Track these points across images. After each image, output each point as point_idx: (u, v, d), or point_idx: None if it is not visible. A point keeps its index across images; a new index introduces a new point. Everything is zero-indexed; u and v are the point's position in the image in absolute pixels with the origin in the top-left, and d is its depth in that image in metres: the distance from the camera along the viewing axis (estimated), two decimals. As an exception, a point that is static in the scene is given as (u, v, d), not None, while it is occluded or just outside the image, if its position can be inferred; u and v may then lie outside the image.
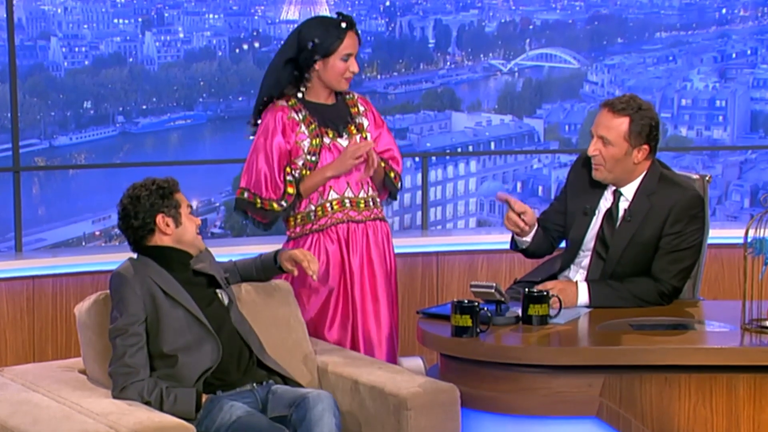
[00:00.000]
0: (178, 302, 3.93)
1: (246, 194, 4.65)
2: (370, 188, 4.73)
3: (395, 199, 4.91)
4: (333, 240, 4.67)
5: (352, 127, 4.72)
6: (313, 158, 4.65)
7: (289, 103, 4.67)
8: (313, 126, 4.65)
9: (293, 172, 4.65)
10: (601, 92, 8.62)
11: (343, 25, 4.61)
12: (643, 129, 4.34)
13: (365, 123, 4.77)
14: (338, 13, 4.69)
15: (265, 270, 4.40)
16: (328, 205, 4.67)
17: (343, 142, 4.68)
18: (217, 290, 4.08)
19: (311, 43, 4.61)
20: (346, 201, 4.68)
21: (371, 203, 4.73)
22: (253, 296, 4.33)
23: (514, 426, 3.96)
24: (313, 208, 4.67)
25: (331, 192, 4.67)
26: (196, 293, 4.00)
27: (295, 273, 4.41)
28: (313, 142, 4.64)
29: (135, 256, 4.06)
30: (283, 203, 4.63)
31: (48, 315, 5.85)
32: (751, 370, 3.84)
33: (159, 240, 4.01)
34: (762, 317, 3.98)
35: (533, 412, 3.93)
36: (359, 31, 4.70)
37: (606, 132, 4.34)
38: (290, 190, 4.64)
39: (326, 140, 4.66)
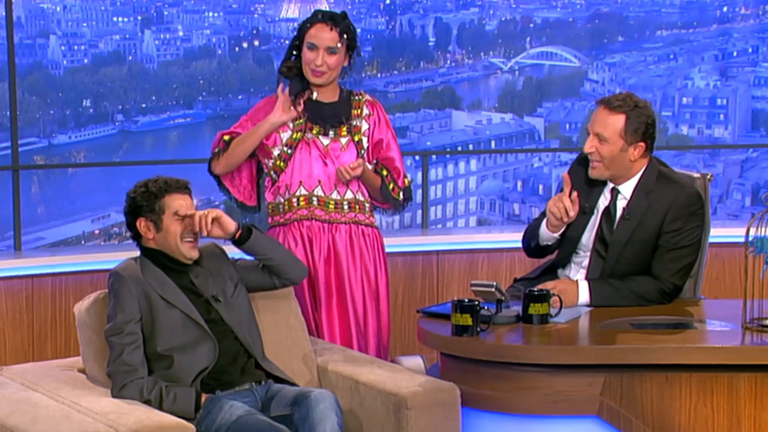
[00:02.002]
0: (174, 304, 3.92)
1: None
2: (350, 191, 4.71)
3: (398, 212, 4.87)
4: (296, 238, 4.67)
5: (344, 128, 4.71)
6: (289, 151, 4.66)
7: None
8: (300, 121, 4.67)
9: (268, 161, 4.66)
10: (602, 90, 8.60)
11: (319, 15, 4.64)
12: (639, 127, 4.33)
13: (364, 127, 4.74)
14: (344, 14, 4.69)
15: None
16: (294, 200, 4.67)
17: (324, 140, 4.69)
18: (216, 293, 4.05)
19: (296, 28, 4.69)
20: (314, 199, 4.68)
21: (346, 206, 4.71)
22: (253, 295, 4.31)
23: (515, 425, 3.96)
24: (282, 200, 4.69)
25: (301, 188, 4.67)
26: (194, 295, 3.99)
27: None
28: (294, 135, 4.66)
29: (138, 253, 4.05)
30: (222, 144, 4.70)
31: (47, 314, 5.85)
32: (752, 369, 3.83)
33: (148, 243, 4.03)
34: (763, 316, 3.98)
35: (534, 412, 3.92)
36: (345, 29, 4.66)
37: (602, 129, 4.33)
38: (226, 137, 4.72)
39: (308, 135, 4.67)
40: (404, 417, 3.89)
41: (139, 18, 7.92)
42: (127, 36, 7.90)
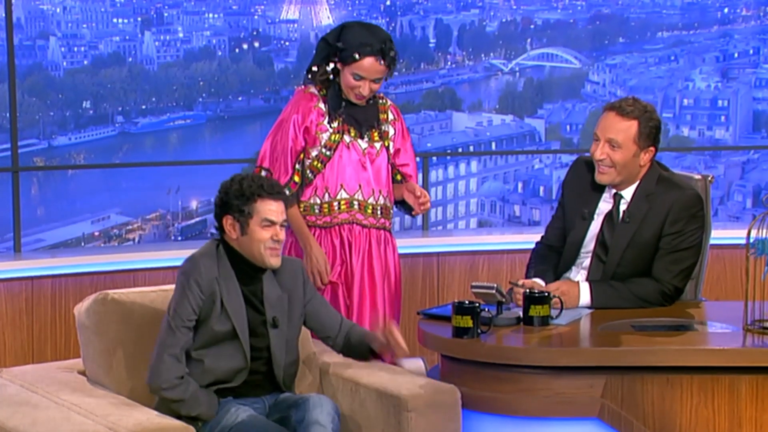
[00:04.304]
0: (230, 320, 3.85)
1: (264, 173, 4.64)
2: (381, 197, 4.71)
3: (413, 216, 4.90)
4: (336, 243, 4.66)
5: (376, 133, 4.71)
6: (329, 153, 4.64)
7: (321, 93, 4.66)
8: (338, 121, 4.65)
9: (305, 160, 4.65)
10: (603, 92, 8.61)
11: (368, 48, 4.55)
12: (651, 131, 4.32)
13: (391, 132, 4.75)
14: (389, 37, 4.61)
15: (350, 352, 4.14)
16: (335, 204, 4.66)
17: (362, 143, 4.67)
18: (277, 317, 3.94)
19: (338, 44, 4.58)
20: (355, 203, 4.67)
21: (379, 212, 4.72)
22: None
23: (515, 427, 3.95)
24: (318, 201, 4.66)
25: (342, 191, 4.66)
26: (255, 311, 3.91)
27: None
28: (332, 137, 4.64)
29: (219, 239, 3.93)
30: (286, 191, 4.62)
31: (47, 316, 5.84)
32: (753, 371, 3.82)
33: (230, 241, 3.89)
34: (764, 318, 3.97)
35: (534, 414, 3.91)
36: (392, 62, 4.59)
37: (615, 135, 4.30)
38: (296, 178, 4.64)
39: (346, 138, 4.65)
40: (405, 419, 3.88)
41: (139, 19, 7.93)
42: (127, 37, 7.91)
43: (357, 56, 4.55)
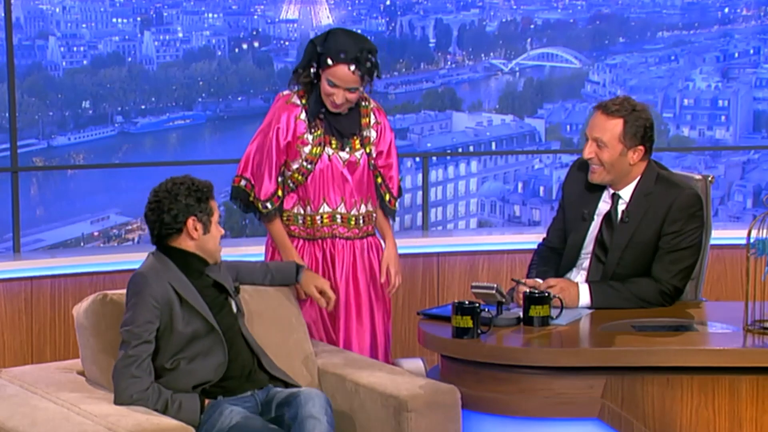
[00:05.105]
0: (196, 311, 3.88)
1: (244, 183, 4.62)
2: (363, 205, 4.68)
3: (393, 219, 4.87)
4: (318, 257, 4.63)
5: (357, 141, 4.66)
6: (309, 166, 4.59)
7: (302, 101, 4.61)
8: (318, 132, 4.60)
9: (285, 172, 4.62)
10: (603, 92, 8.61)
11: (342, 55, 4.49)
12: (638, 130, 4.32)
13: (373, 136, 4.69)
14: (369, 48, 4.55)
15: (282, 280, 4.38)
16: (317, 217, 4.62)
17: (343, 155, 4.62)
18: (228, 297, 4.03)
19: (318, 47, 4.54)
20: (337, 216, 4.63)
21: (362, 221, 4.69)
22: (254, 296, 4.30)
23: (515, 427, 3.94)
24: (302, 212, 4.63)
25: (324, 205, 4.62)
26: (210, 301, 3.95)
27: (323, 304, 4.42)
28: (314, 150, 4.59)
29: (154, 250, 3.99)
30: (268, 205, 4.60)
31: (46, 316, 5.83)
32: (753, 372, 3.82)
33: (182, 243, 3.94)
34: (764, 318, 3.96)
35: (534, 414, 3.91)
36: (367, 72, 4.52)
37: (600, 134, 4.32)
38: (280, 193, 4.61)
39: (328, 150, 4.60)
40: (404, 419, 3.87)
41: (139, 19, 7.93)
42: (127, 37, 7.91)
43: (330, 62, 4.49)
